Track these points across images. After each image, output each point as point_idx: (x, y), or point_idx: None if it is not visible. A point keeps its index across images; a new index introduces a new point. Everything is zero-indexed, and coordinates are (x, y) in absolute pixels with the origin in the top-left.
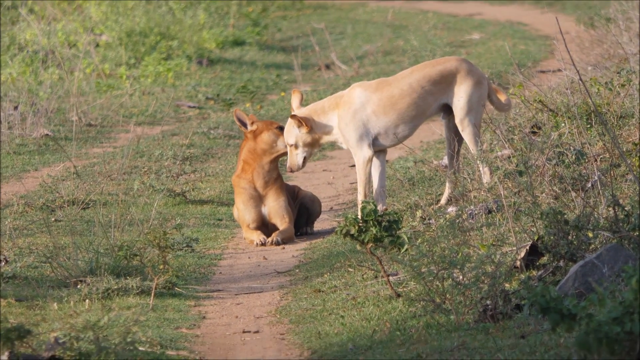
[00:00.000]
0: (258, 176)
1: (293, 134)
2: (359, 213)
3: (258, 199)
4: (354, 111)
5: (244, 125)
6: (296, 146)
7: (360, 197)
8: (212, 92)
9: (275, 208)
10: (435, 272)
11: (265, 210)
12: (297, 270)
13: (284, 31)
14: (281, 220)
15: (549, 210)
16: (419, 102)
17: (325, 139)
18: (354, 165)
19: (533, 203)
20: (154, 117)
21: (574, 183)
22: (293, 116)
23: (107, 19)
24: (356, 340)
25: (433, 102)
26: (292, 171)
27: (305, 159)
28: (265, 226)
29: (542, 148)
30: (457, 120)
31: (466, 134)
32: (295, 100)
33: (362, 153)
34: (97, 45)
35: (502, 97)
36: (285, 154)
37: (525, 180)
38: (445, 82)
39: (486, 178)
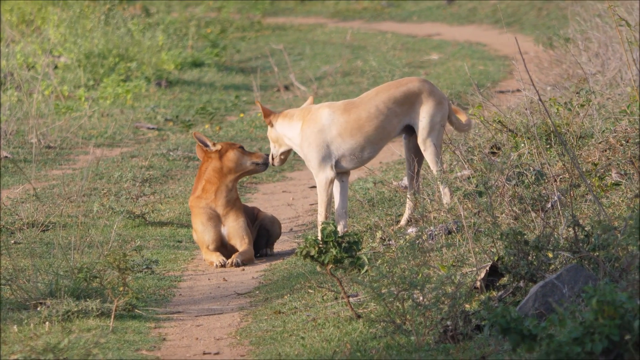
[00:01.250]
0: (220, 195)
1: (269, 129)
2: (319, 234)
3: (217, 219)
4: (318, 131)
5: (206, 145)
6: (270, 142)
7: (320, 218)
8: (171, 113)
9: (235, 228)
10: (396, 293)
11: (224, 230)
12: (257, 292)
13: (242, 52)
14: (241, 241)
15: (509, 230)
16: (385, 124)
17: (284, 141)
18: (313, 187)
19: (493, 224)
20: (113, 138)
21: (533, 203)
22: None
23: (65, 40)
24: None
25: (397, 124)
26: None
27: (274, 158)
28: (224, 247)
29: (501, 168)
30: (419, 141)
31: (428, 153)
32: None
33: (324, 174)
34: (56, 67)
35: (462, 118)
36: (249, 171)
37: (485, 200)
38: (409, 102)
39: (446, 199)
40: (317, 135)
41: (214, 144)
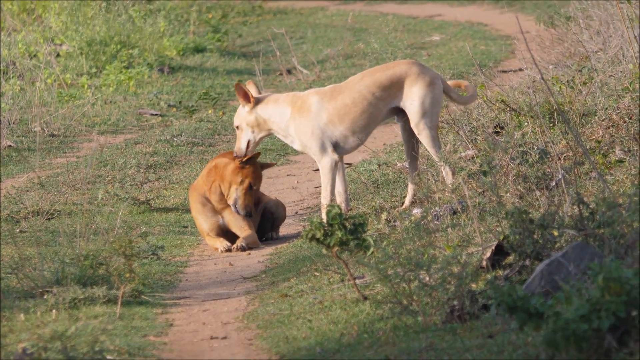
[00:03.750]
0: (215, 190)
1: (239, 114)
2: (324, 217)
3: (213, 209)
4: (311, 119)
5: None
6: (241, 128)
7: (324, 202)
8: (174, 99)
9: (232, 220)
10: (402, 274)
11: (222, 221)
12: (263, 276)
13: (244, 37)
14: (240, 230)
15: (513, 209)
16: (370, 109)
17: (268, 125)
18: (318, 170)
19: (498, 203)
20: (117, 125)
21: (538, 182)
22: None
23: (67, 28)
24: (324, 344)
25: (384, 108)
26: (236, 157)
27: (249, 144)
28: (226, 234)
29: (505, 148)
30: (412, 125)
31: (423, 137)
32: (252, 88)
33: (327, 158)
34: (58, 55)
35: (467, 88)
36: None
37: (489, 180)
38: (396, 86)
39: (449, 179)
40: (311, 123)
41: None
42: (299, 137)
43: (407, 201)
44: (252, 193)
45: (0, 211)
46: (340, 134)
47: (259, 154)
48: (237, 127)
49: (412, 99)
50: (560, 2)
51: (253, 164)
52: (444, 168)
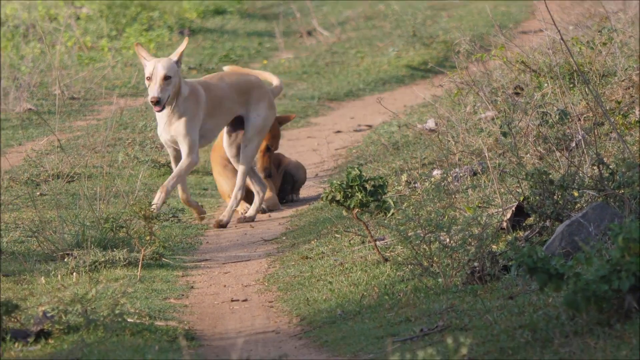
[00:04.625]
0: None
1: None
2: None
3: (234, 171)
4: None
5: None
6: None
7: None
8: (194, 62)
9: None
10: (422, 235)
11: None
12: (284, 238)
13: None
14: None
15: (533, 170)
16: (232, 107)
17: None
18: (338, 132)
19: (518, 164)
20: (137, 88)
21: (558, 143)
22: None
23: None
24: (345, 306)
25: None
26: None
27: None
28: (246, 196)
29: (525, 109)
30: (246, 136)
31: (247, 150)
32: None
33: (196, 157)
34: (78, 18)
35: (274, 81)
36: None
37: (509, 141)
38: (246, 95)
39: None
40: (197, 111)
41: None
42: (184, 122)
43: (252, 210)
44: (271, 154)
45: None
46: (209, 127)
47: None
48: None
49: (258, 113)
50: None
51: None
52: (237, 193)
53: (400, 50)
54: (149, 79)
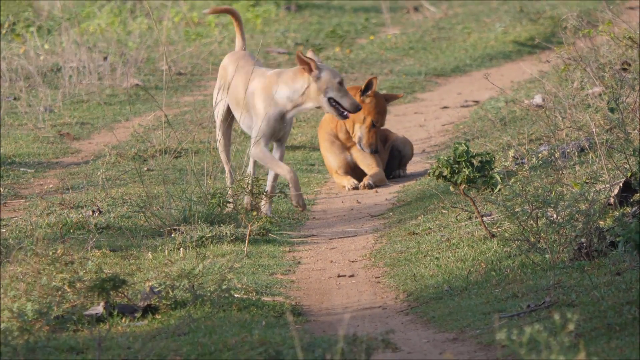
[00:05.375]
0: (341, 127)
1: None
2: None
3: (341, 146)
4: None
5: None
6: None
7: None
8: (301, 37)
9: (360, 157)
10: (529, 211)
11: (350, 158)
12: (390, 214)
13: None
14: (368, 168)
15: None
16: None
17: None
18: (445, 107)
19: (625, 140)
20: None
21: None
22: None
23: None
24: (451, 282)
25: None
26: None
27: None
28: (353, 171)
29: (632, 85)
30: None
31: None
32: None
33: None
34: None
35: None
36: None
37: (616, 117)
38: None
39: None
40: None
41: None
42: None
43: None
44: (377, 130)
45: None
46: None
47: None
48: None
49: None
50: None
51: (375, 100)
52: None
53: (507, 26)
54: (341, 83)
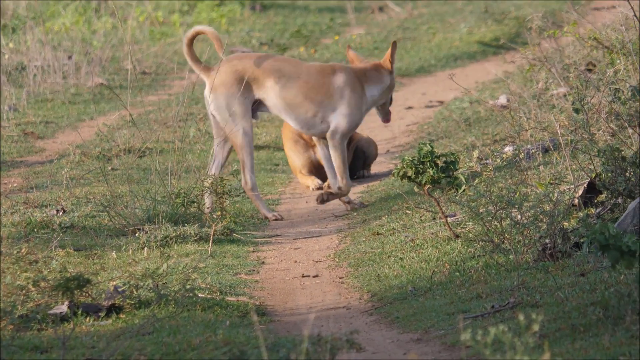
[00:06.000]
0: None
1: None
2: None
3: (305, 145)
4: None
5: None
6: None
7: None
8: (266, 37)
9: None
10: (494, 212)
11: (314, 156)
12: (355, 214)
13: None
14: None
15: (606, 147)
16: None
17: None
18: (410, 107)
19: (590, 140)
20: (209, 63)
21: (630, 119)
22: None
23: None
24: (416, 282)
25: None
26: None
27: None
28: (317, 171)
29: (597, 85)
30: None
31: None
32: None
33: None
34: None
35: None
36: None
37: (581, 117)
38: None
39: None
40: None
41: None
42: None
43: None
44: None
45: None
46: None
47: None
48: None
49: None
50: None
51: None
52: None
53: (472, 26)
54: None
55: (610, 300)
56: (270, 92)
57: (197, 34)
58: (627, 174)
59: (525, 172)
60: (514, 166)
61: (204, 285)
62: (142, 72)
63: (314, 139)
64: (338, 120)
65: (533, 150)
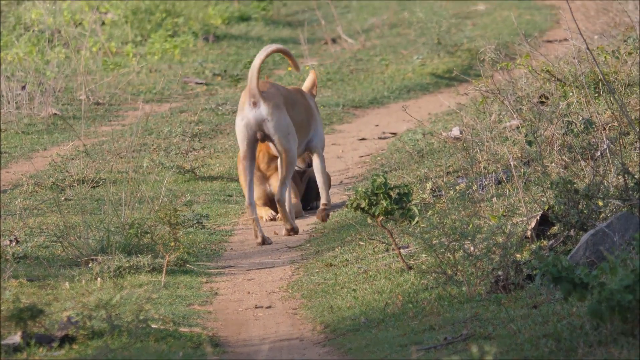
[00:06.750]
0: (264, 157)
1: None
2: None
3: (261, 178)
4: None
5: None
6: None
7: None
8: (219, 68)
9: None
10: (447, 243)
11: (269, 189)
12: (308, 245)
13: (289, 6)
14: None
15: (558, 179)
16: None
17: None
18: (363, 139)
19: (543, 173)
20: (162, 94)
21: (583, 152)
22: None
23: None
24: (369, 314)
25: None
26: None
27: None
28: (271, 202)
29: (550, 118)
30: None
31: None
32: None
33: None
34: (103, 23)
35: None
36: None
37: (534, 150)
38: None
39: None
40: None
41: None
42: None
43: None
44: None
45: None
46: None
47: None
48: None
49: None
50: None
51: None
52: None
53: (425, 58)
54: None
55: (563, 333)
56: None
57: (273, 52)
58: (580, 206)
59: (478, 204)
60: (467, 198)
61: (157, 316)
62: (96, 102)
63: (268, 172)
64: None
65: (486, 183)
